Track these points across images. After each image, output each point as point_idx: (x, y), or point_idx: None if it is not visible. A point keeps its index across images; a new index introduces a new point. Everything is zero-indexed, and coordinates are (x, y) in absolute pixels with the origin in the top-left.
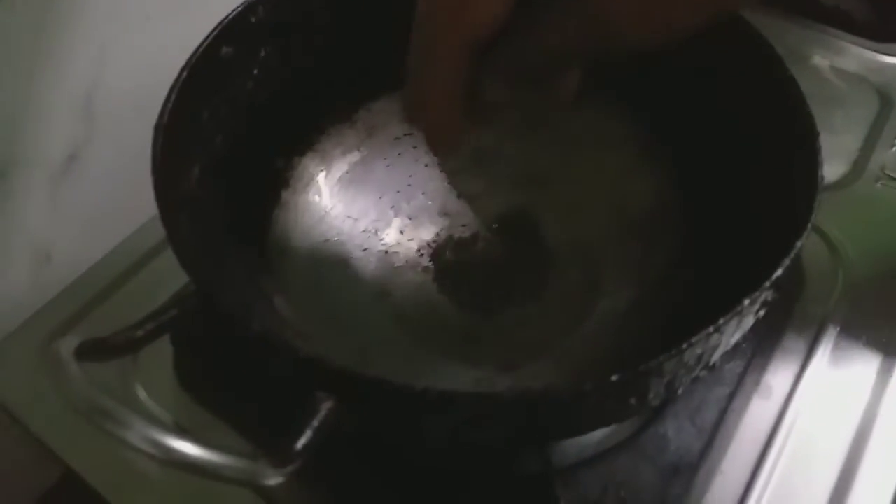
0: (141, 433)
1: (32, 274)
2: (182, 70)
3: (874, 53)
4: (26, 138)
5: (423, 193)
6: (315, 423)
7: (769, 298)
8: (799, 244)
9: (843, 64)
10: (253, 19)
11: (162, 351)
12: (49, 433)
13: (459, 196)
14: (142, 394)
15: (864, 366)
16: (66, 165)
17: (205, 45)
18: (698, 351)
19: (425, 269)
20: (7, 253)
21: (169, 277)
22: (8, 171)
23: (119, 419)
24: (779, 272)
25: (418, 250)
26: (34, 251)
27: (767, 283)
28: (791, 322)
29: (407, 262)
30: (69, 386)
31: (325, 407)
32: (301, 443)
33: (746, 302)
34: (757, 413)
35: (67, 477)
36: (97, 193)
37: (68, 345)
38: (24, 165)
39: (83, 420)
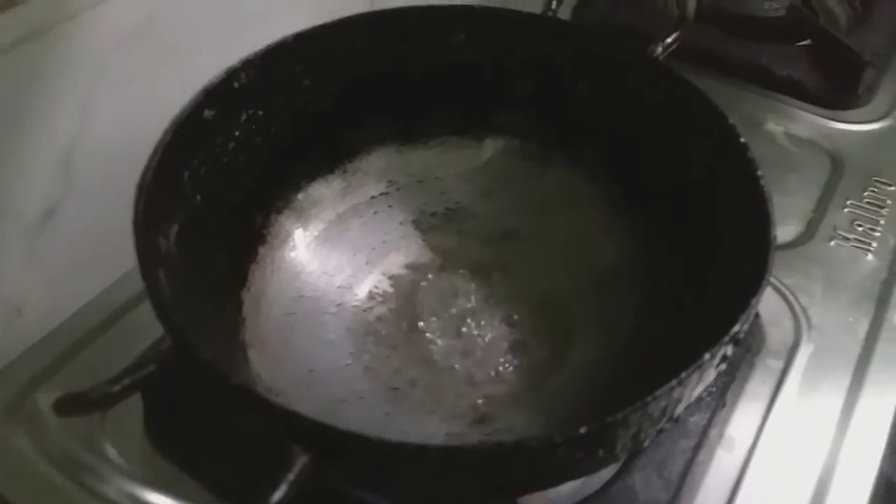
0: (118, 487)
1: (2, 328)
2: (166, 132)
3: (825, 120)
4: (4, 193)
5: (397, 250)
6: (290, 476)
7: (728, 353)
8: (755, 301)
9: (796, 130)
10: (235, 84)
11: (132, 407)
12: (12, 489)
13: (433, 253)
14: (111, 451)
15: (823, 416)
16: (42, 221)
17: (189, 108)
18: (662, 403)
19: (398, 324)
20: None
21: (142, 332)
22: None
23: (96, 473)
24: (736, 328)
25: (391, 306)
26: (5, 305)
27: (726, 338)
28: (752, 375)
29: (380, 317)
30: (47, 439)
31: (301, 461)
32: (276, 497)
33: (707, 356)
34: (721, 465)
35: None
36: (71, 249)
37: (46, 398)
38: (0, 219)
39: (51, 476)
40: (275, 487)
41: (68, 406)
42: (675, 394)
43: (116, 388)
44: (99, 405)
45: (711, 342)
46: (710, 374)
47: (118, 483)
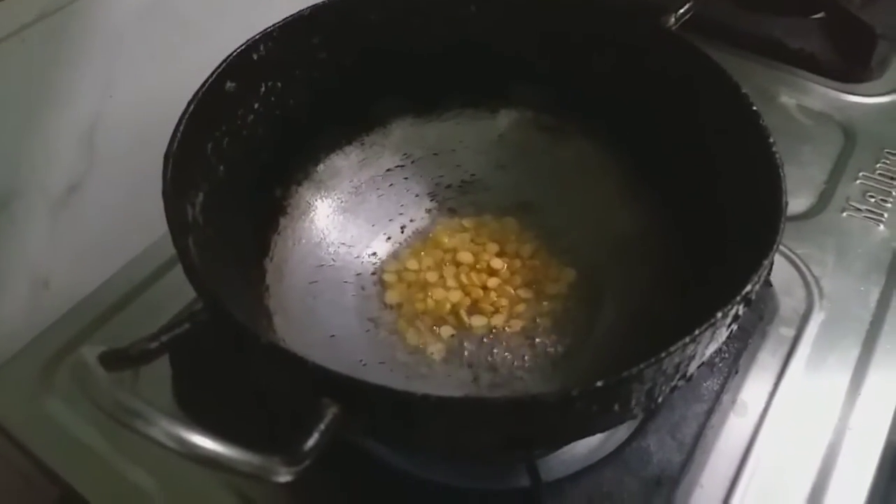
0: (165, 430)
1: (30, 300)
2: (189, 103)
3: (838, 93)
4: (29, 169)
5: (412, 221)
6: (322, 426)
7: (740, 313)
8: (766, 262)
9: (808, 102)
10: (255, 56)
11: (159, 371)
12: (49, 453)
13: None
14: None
15: (833, 383)
16: (66, 195)
17: (210, 79)
18: (676, 360)
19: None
20: (5, 280)
21: (166, 303)
22: (10, 201)
23: (145, 417)
24: (748, 287)
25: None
26: (32, 278)
27: (738, 298)
28: (765, 343)
29: None
30: (96, 388)
31: (331, 412)
32: (309, 444)
33: (719, 315)
34: (734, 429)
35: (66, 497)
36: (96, 222)
37: (92, 353)
38: (26, 195)
39: (88, 431)
40: (308, 436)
41: (113, 360)
42: (689, 350)
43: (154, 344)
44: (139, 360)
45: (724, 302)
46: (723, 334)
47: (164, 425)
